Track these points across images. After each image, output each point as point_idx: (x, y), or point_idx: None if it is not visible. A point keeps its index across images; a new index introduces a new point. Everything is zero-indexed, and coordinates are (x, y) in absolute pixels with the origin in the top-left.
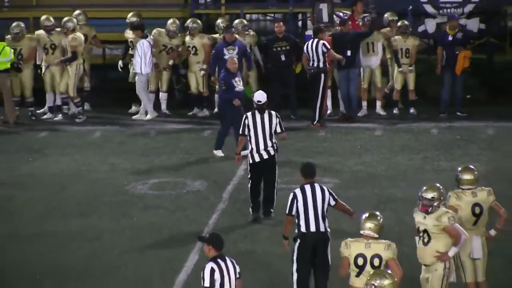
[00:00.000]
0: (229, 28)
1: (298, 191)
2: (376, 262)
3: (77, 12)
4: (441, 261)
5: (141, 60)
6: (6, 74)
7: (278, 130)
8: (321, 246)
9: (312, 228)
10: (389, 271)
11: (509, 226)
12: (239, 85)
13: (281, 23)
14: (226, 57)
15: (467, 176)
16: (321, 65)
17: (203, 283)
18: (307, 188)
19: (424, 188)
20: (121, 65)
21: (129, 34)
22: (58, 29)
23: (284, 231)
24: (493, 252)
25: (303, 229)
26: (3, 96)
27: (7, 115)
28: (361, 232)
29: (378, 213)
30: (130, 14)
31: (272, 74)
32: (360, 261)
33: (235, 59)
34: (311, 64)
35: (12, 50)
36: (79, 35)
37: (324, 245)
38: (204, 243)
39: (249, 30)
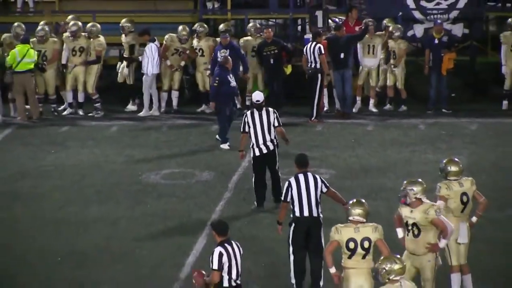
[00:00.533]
0: (223, 32)
1: (292, 180)
2: (366, 244)
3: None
4: (432, 252)
5: (149, 62)
6: (30, 74)
7: (276, 124)
8: (314, 230)
9: (306, 213)
10: (398, 256)
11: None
12: (233, 80)
13: (270, 29)
14: (219, 59)
15: (454, 168)
16: (318, 66)
17: (212, 266)
18: (301, 176)
19: (406, 182)
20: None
21: (123, 38)
22: (84, 33)
23: (278, 216)
24: (474, 238)
25: (297, 214)
26: (27, 94)
27: (32, 111)
28: (350, 218)
29: (363, 200)
30: (123, 20)
31: (266, 74)
32: (352, 244)
33: (229, 57)
34: (309, 65)
35: (36, 52)
36: (103, 40)
37: (317, 228)
38: (212, 229)
39: (266, 30)
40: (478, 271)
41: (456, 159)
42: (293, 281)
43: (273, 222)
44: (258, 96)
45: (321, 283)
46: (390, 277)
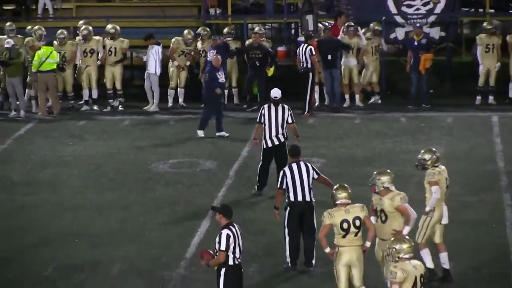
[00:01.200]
0: (212, 35)
1: (286, 169)
2: (357, 222)
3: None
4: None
5: (156, 63)
6: (53, 73)
7: (290, 120)
8: (308, 213)
9: (299, 198)
10: (407, 237)
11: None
12: (221, 77)
13: (257, 35)
14: (209, 58)
15: (430, 156)
16: (309, 65)
17: (220, 247)
18: (294, 166)
19: (375, 172)
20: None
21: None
22: (97, 37)
23: (275, 202)
24: (450, 220)
25: (291, 198)
26: (50, 91)
27: (53, 106)
28: (338, 202)
29: (345, 184)
30: (109, 26)
31: (249, 73)
32: (345, 225)
33: (219, 56)
34: (301, 65)
35: (58, 53)
36: (127, 40)
37: (310, 212)
38: (216, 212)
39: (253, 35)
40: (454, 249)
41: (433, 148)
42: (288, 259)
43: (270, 206)
44: (276, 92)
45: (313, 261)
46: (400, 256)
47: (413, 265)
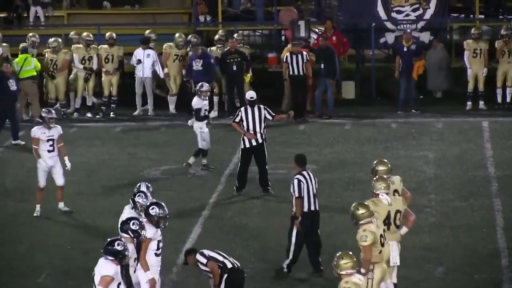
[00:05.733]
0: (196, 45)
1: (301, 177)
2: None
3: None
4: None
5: (155, 66)
6: (31, 80)
7: (269, 117)
8: (317, 222)
9: (312, 207)
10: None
11: None
12: (12, 85)
13: (234, 39)
14: (194, 68)
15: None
16: (301, 72)
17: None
18: (306, 174)
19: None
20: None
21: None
22: (93, 45)
23: (296, 212)
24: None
25: (305, 209)
26: (29, 98)
27: (34, 114)
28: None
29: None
30: (107, 34)
31: (226, 80)
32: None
33: (8, 65)
34: (291, 72)
35: (34, 59)
36: (122, 47)
37: (318, 220)
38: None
39: (230, 40)
40: (445, 254)
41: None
42: (286, 264)
43: (261, 211)
44: (251, 94)
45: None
46: (339, 272)
47: (359, 278)
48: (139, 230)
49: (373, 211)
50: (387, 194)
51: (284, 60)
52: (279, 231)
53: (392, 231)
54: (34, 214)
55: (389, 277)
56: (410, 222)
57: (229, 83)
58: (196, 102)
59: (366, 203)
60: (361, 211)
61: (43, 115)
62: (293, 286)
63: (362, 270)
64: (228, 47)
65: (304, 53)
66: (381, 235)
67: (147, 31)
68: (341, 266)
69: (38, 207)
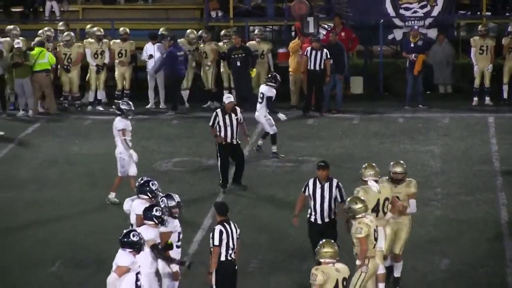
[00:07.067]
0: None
1: (222, 227)
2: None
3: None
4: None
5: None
6: (45, 73)
7: (241, 119)
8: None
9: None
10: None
11: None
12: None
13: (236, 36)
14: (179, 59)
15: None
16: (318, 68)
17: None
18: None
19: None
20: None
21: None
22: (105, 40)
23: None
24: (447, 219)
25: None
26: (44, 91)
27: (49, 106)
28: (322, 260)
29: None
30: (121, 29)
31: (233, 75)
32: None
33: None
34: (311, 67)
35: (49, 53)
36: (134, 42)
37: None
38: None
39: (234, 36)
40: (450, 247)
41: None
42: None
43: (270, 203)
44: (227, 98)
45: None
46: (320, 260)
47: (336, 268)
48: (162, 216)
49: (368, 206)
50: (376, 181)
51: (305, 54)
52: (287, 223)
53: (380, 217)
54: (111, 201)
55: (380, 262)
56: (394, 207)
57: (235, 78)
58: (267, 90)
59: (362, 197)
60: (358, 205)
61: (122, 107)
62: (300, 277)
63: (358, 262)
64: (233, 43)
65: (325, 50)
66: (374, 230)
67: (161, 29)
68: (321, 254)
69: (113, 194)
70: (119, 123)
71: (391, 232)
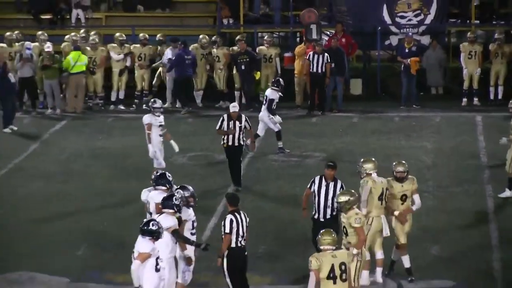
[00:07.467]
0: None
1: (233, 217)
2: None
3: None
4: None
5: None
6: (83, 75)
7: (247, 127)
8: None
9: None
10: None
11: None
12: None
13: (243, 41)
14: (186, 62)
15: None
16: (320, 71)
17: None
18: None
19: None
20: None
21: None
22: (127, 45)
23: (223, 247)
24: (437, 209)
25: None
26: (78, 91)
27: (78, 105)
28: (321, 247)
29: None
30: (141, 35)
31: (239, 77)
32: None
33: None
34: (314, 70)
35: (89, 58)
36: (152, 47)
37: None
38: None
39: (240, 42)
40: (441, 235)
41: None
42: None
43: (276, 195)
44: (233, 107)
45: None
46: (320, 247)
47: (333, 254)
48: (180, 204)
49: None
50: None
51: (307, 58)
52: (292, 213)
53: (383, 206)
54: None
55: (379, 248)
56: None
57: (241, 80)
58: (271, 93)
59: (371, 187)
60: (353, 197)
61: (149, 104)
62: (304, 262)
63: (355, 251)
64: (238, 48)
65: (326, 54)
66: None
67: (158, 35)
68: (321, 241)
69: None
70: (146, 118)
71: (396, 225)
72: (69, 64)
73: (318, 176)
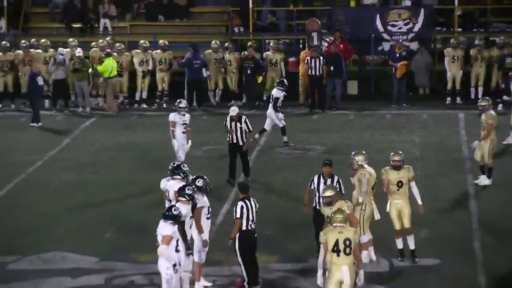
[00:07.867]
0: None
1: (243, 203)
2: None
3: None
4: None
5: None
6: (117, 78)
7: (246, 129)
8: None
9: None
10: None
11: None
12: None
13: (251, 48)
14: (195, 66)
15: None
16: (318, 73)
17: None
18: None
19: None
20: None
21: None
22: (150, 50)
23: (233, 231)
24: (423, 197)
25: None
26: (111, 92)
27: (109, 104)
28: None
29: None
30: (161, 41)
31: (244, 79)
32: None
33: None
34: (312, 72)
35: (117, 63)
36: (171, 52)
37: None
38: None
39: (248, 49)
40: (427, 220)
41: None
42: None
43: (282, 186)
44: (233, 111)
45: None
46: (332, 224)
47: (339, 231)
48: (193, 194)
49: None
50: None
51: (306, 62)
52: (296, 200)
53: (372, 193)
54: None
55: (368, 230)
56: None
57: (246, 83)
58: (276, 92)
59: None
60: (336, 190)
61: (175, 104)
62: (307, 242)
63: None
64: (246, 53)
65: (321, 57)
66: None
67: (160, 41)
68: (333, 219)
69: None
70: (171, 116)
71: (396, 212)
72: (107, 70)
73: (317, 175)
